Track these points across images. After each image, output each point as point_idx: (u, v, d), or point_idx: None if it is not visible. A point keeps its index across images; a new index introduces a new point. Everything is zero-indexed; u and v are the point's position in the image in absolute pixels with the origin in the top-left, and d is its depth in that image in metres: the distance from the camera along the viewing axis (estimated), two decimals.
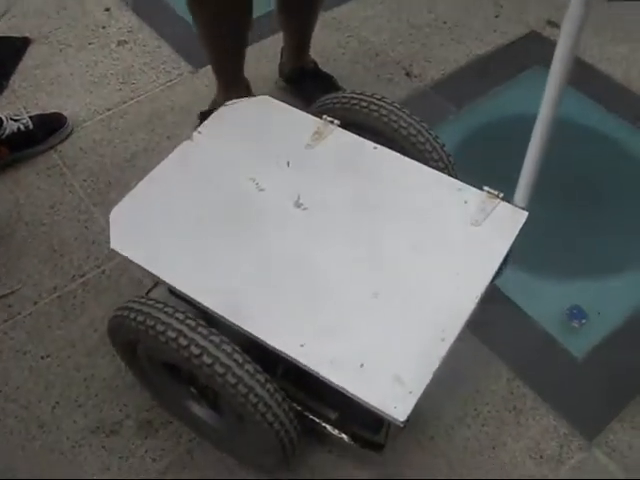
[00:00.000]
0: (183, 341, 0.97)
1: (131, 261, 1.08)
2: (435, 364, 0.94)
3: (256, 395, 0.99)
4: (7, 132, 1.70)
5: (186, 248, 1.09)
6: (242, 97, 1.32)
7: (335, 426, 1.15)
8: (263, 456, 1.15)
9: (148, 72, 1.96)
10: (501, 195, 1.12)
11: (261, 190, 1.17)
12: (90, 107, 1.87)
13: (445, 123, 1.76)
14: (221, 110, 1.31)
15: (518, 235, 1.09)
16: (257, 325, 0.99)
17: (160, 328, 0.99)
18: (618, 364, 1.35)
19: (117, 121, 1.83)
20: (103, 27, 2.10)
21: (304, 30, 1.78)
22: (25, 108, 1.84)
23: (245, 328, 0.99)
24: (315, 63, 1.86)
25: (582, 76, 1.81)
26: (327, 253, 1.07)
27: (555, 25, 2.03)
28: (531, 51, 1.96)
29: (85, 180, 1.70)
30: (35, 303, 1.48)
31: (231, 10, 1.48)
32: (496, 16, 2.07)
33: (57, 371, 1.38)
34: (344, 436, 1.15)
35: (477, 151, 1.69)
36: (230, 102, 1.30)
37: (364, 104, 1.24)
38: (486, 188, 1.13)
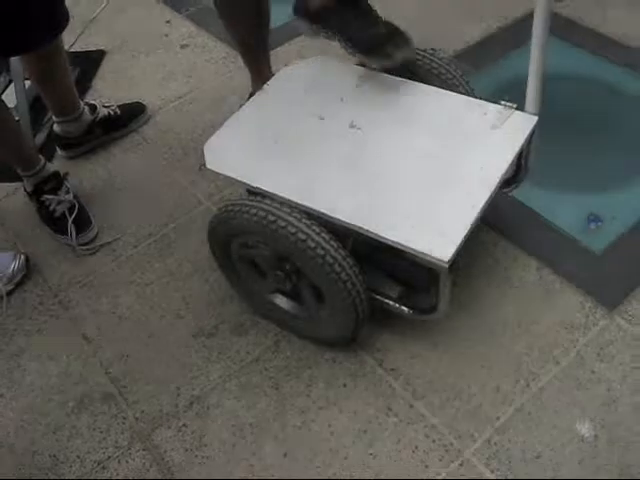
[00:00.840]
0: (291, 228, 1.25)
1: (225, 176, 1.37)
2: (469, 222, 1.21)
3: (340, 265, 1.26)
4: (100, 116, 2.01)
5: (266, 162, 1.38)
6: None
7: (396, 301, 1.40)
8: (339, 330, 1.41)
9: (209, 67, 2.28)
10: (515, 105, 1.38)
11: (322, 119, 1.46)
12: (163, 97, 2.19)
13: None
14: (282, 70, 1.61)
15: (536, 148, 1.36)
16: (328, 205, 1.27)
17: (271, 218, 1.26)
18: (632, 255, 1.58)
19: (187, 106, 2.15)
20: (166, 35, 2.44)
21: None
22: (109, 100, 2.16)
23: (318, 209, 1.27)
24: None
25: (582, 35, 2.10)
26: (379, 153, 1.36)
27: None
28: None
29: (165, 152, 2.01)
30: (135, 247, 1.77)
31: (241, 15, 1.62)
32: None
33: (159, 293, 1.66)
34: (404, 308, 1.40)
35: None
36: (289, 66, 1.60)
37: None
38: (502, 102, 1.40)
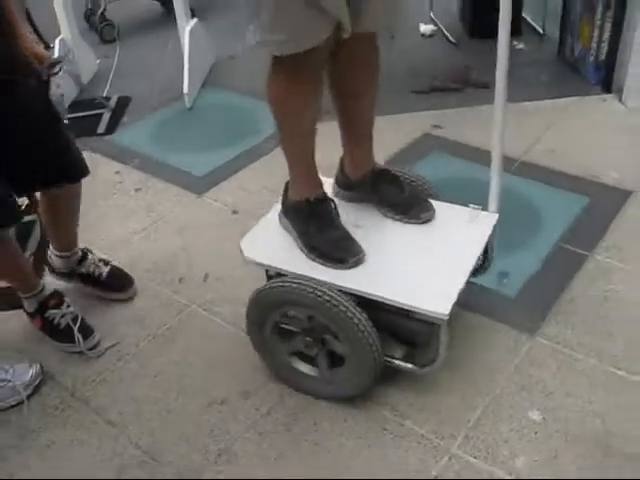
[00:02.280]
0: (326, 297, 1.62)
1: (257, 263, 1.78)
2: (460, 285, 1.63)
3: (363, 325, 1.62)
4: (82, 270, 2.20)
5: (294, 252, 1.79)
6: (321, 186, 1.84)
7: (402, 360, 1.74)
8: (355, 388, 1.76)
9: (165, 203, 2.68)
10: (480, 207, 1.84)
11: None
12: (129, 230, 2.54)
13: None
14: None
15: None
16: (350, 281, 1.67)
17: (318, 293, 1.63)
18: (537, 293, 2.08)
19: (154, 234, 2.52)
20: (120, 182, 2.84)
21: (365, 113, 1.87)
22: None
23: (344, 285, 1.66)
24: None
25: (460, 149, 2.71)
26: (379, 242, 1.79)
27: (438, 127, 2.96)
28: (429, 143, 2.86)
29: (144, 271, 2.34)
30: (136, 345, 2.06)
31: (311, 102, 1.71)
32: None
33: (169, 379, 1.94)
34: (409, 365, 1.73)
35: None
36: None
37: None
38: (471, 205, 1.85)
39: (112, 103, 3.43)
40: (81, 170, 2.01)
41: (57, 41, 3.40)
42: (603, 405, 1.75)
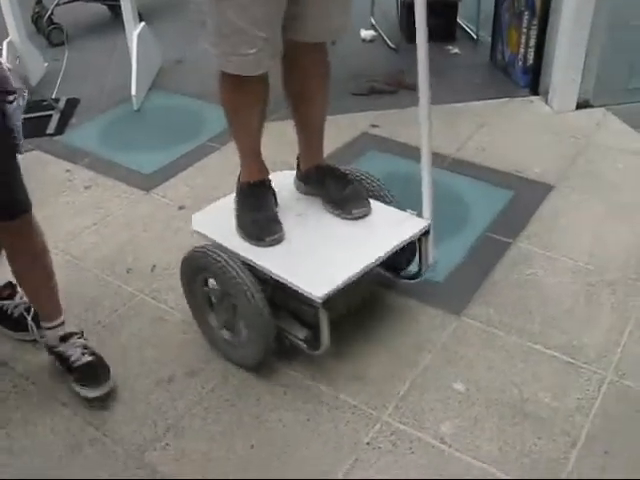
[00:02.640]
0: (223, 263, 1.81)
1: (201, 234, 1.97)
2: (347, 275, 1.78)
3: (252, 294, 1.78)
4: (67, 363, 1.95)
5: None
6: (262, 173, 2.02)
7: (298, 340, 1.89)
8: (254, 355, 1.91)
9: (114, 200, 2.78)
10: (415, 213, 1.98)
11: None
12: (80, 225, 2.64)
13: None
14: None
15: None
16: (253, 255, 1.85)
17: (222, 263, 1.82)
18: (462, 279, 2.24)
19: (103, 229, 2.61)
20: (69, 180, 2.92)
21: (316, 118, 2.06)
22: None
23: (245, 256, 1.84)
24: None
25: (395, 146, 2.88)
26: (312, 229, 1.98)
27: (376, 126, 3.12)
28: (367, 141, 3.02)
29: (94, 265, 2.44)
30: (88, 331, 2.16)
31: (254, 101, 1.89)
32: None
33: (117, 360, 2.05)
34: (304, 345, 1.88)
35: None
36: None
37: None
38: (408, 210, 2.00)
39: (61, 104, 3.49)
40: (21, 205, 1.82)
41: (5, 44, 3.46)
42: (520, 376, 1.92)
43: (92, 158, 3.08)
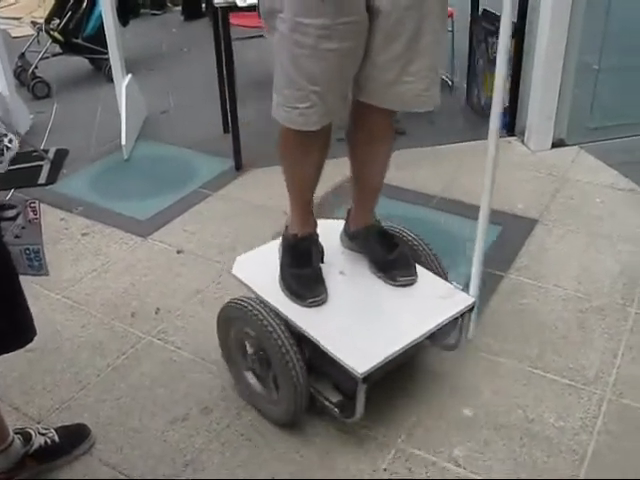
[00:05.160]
0: (261, 318, 1.81)
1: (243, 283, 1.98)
2: (389, 352, 1.73)
3: (289, 353, 1.76)
4: (35, 447, 1.80)
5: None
6: (311, 226, 1.99)
7: (331, 404, 1.84)
8: (285, 414, 1.88)
9: (113, 245, 2.83)
10: (461, 287, 1.96)
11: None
12: (80, 272, 2.67)
13: None
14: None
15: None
16: (295, 315, 1.83)
17: (260, 317, 1.82)
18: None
19: (104, 274, 2.65)
20: (66, 228, 2.96)
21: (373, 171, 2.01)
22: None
23: (287, 314, 1.84)
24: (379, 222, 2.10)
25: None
26: (355, 293, 1.96)
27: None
28: None
29: (97, 308, 2.47)
30: (97, 375, 2.18)
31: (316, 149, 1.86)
32: None
33: (133, 402, 2.08)
34: (335, 409, 1.83)
35: None
36: None
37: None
38: (454, 283, 1.99)
39: (50, 155, 3.55)
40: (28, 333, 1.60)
41: None
42: (524, 399, 2.00)
43: (86, 206, 3.13)
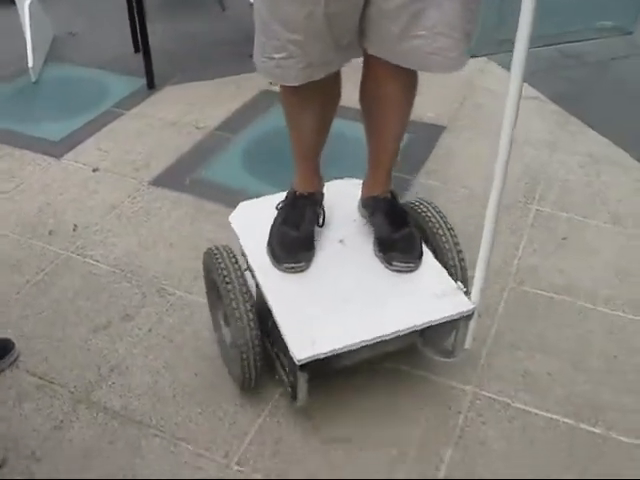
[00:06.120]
0: (225, 274, 1.66)
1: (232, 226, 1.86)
2: (343, 345, 1.52)
3: (240, 313, 1.61)
4: None
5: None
6: (313, 186, 1.80)
7: (288, 385, 1.65)
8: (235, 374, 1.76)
9: (25, 167, 2.79)
10: (464, 289, 1.65)
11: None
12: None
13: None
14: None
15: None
16: (262, 277, 1.69)
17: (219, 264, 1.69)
18: None
19: (18, 196, 2.62)
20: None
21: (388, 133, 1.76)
22: None
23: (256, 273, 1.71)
24: (393, 194, 1.83)
25: None
26: (339, 264, 1.74)
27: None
28: (268, 99, 3.15)
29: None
30: (17, 292, 2.19)
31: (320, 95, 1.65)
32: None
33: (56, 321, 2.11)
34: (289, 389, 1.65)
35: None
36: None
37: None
38: (459, 282, 1.68)
39: None
40: None
41: None
42: None
43: None
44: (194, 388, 1.85)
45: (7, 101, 3.32)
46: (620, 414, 1.78)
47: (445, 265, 1.76)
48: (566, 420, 1.77)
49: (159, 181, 2.68)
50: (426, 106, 3.09)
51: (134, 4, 3.25)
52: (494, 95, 3.20)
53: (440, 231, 1.80)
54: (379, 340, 1.56)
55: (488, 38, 3.48)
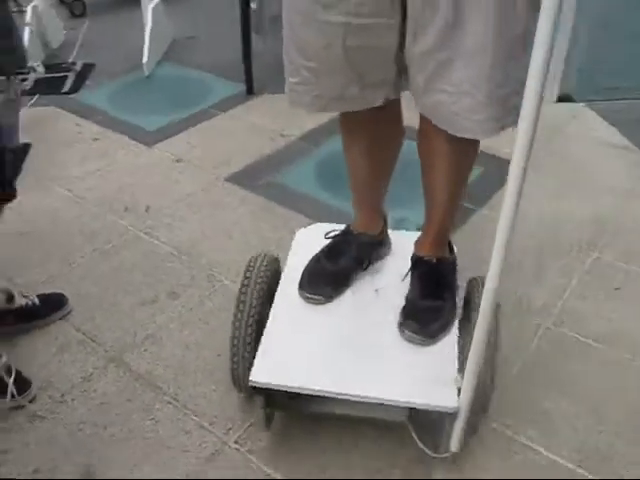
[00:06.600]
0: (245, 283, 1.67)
1: None
2: (297, 385, 1.51)
3: (239, 321, 1.64)
4: (16, 305, 2.03)
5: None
6: (362, 226, 1.77)
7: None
8: None
9: (120, 150, 3.03)
10: (460, 385, 1.45)
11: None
12: (85, 170, 2.88)
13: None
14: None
15: None
16: (279, 301, 1.72)
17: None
18: None
19: (106, 174, 2.86)
20: (79, 133, 3.17)
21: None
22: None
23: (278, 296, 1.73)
24: (440, 261, 1.71)
25: None
26: (359, 315, 1.69)
27: None
28: None
29: (101, 204, 2.68)
30: (82, 257, 2.40)
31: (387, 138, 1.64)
32: None
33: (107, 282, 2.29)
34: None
35: None
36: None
37: None
38: (459, 375, 1.46)
39: (77, 67, 3.77)
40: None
41: (30, 7, 3.73)
42: None
43: (101, 115, 3.34)
44: (215, 367, 1.95)
45: (118, 90, 3.62)
46: (628, 466, 1.73)
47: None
48: (569, 465, 1.73)
49: (234, 178, 2.83)
50: (505, 142, 3.07)
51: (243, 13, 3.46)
52: (582, 144, 3.16)
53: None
54: (344, 397, 1.50)
55: (587, 83, 3.45)
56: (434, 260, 1.69)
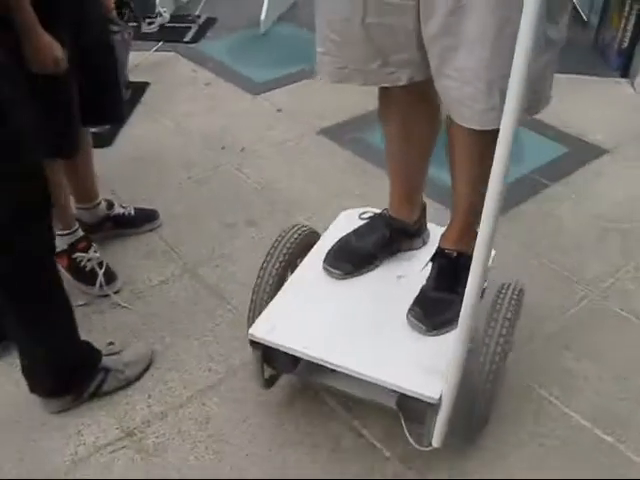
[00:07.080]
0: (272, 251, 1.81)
1: None
2: (292, 347, 1.54)
3: (260, 280, 1.76)
4: (115, 213, 2.30)
5: None
6: (395, 210, 1.77)
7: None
8: None
9: (227, 95, 3.31)
10: None
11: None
12: (194, 109, 3.18)
13: None
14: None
15: None
16: (304, 268, 1.77)
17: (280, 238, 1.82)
18: None
19: (209, 116, 3.14)
20: (194, 77, 3.48)
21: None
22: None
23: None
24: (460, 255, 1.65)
25: None
26: (373, 297, 1.70)
27: None
28: None
29: (199, 136, 2.96)
30: (180, 183, 2.68)
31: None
32: None
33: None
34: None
35: None
36: None
37: None
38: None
39: (201, 20, 4.09)
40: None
41: None
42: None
43: (216, 64, 3.64)
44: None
45: (235, 44, 3.91)
46: None
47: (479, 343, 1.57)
48: (583, 422, 1.81)
49: (326, 131, 3.04)
50: (598, 128, 3.11)
51: None
52: None
53: (495, 315, 1.59)
54: (334, 368, 1.51)
55: None
56: (454, 254, 1.66)
